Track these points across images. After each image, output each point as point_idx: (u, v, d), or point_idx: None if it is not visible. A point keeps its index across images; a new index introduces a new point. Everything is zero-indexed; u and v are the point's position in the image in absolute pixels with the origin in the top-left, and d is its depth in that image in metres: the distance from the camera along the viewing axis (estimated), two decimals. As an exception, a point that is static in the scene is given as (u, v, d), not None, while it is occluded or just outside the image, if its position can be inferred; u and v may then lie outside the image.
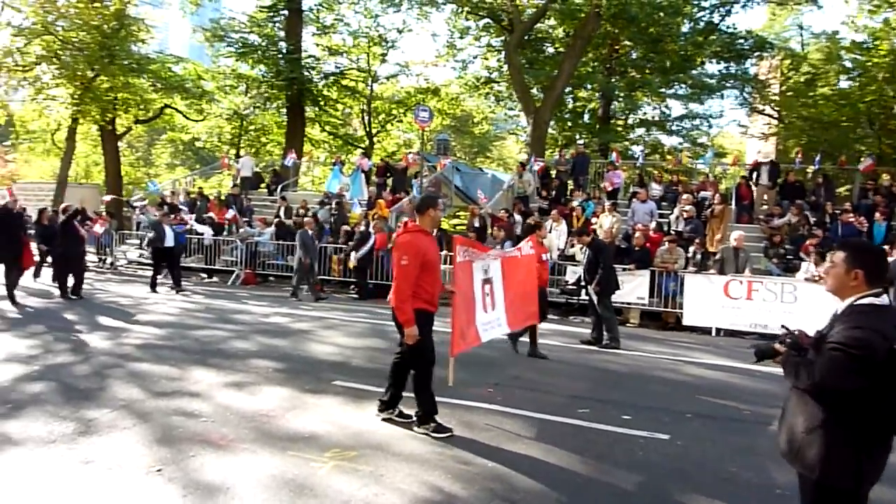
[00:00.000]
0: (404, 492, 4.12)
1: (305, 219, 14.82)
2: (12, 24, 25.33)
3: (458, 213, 19.42)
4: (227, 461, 4.51)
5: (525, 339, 8.58)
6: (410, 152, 24.47)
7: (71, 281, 12.22)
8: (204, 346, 8.38)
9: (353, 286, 14.87)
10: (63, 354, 7.61)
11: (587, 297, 10.04)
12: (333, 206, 17.62)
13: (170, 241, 14.06)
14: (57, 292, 12.31)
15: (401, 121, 33.46)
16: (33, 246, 13.42)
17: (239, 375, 6.86)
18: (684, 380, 7.80)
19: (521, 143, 40.65)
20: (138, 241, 19.19)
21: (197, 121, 30.91)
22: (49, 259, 14.46)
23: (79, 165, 35.66)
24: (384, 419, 5.53)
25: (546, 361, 8.34)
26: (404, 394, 5.59)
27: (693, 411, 6.28)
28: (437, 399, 6.11)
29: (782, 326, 3.02)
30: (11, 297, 10.93)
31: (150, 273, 14.45)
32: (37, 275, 14.62)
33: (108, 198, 18.16)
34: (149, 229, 15.41)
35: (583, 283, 9.76)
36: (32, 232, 14.55)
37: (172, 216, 15.50)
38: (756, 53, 25.83)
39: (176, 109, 29.79)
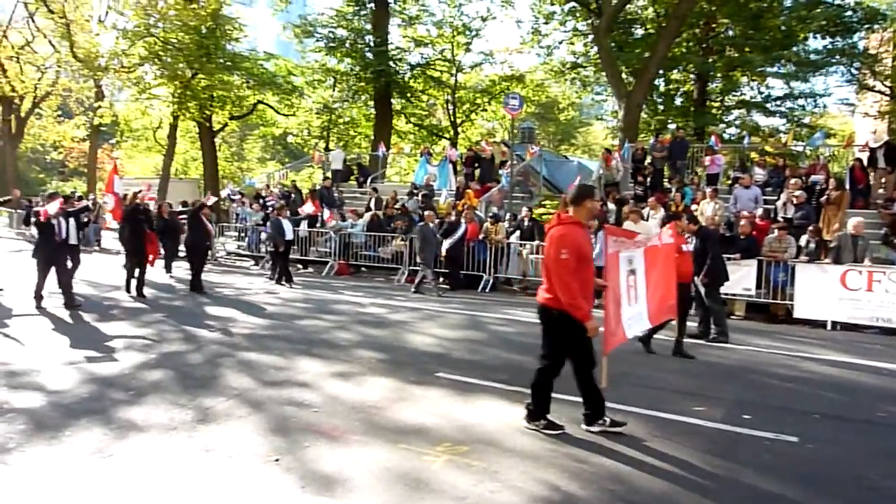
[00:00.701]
0: (520, 489, 4.01)
1: (426, 212, 14.39)
2: (117, 26, 26.86)
3: (543, 203, 19.09)
4: (341, 452, 4.54)
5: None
6: (489, 140, 24.29)
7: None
8: (307, 336, 8.55)
9: (443, 277, 14.87)
10: (177, 343, 7.94)
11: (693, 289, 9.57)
12: (421, 197, 17.69)
13: (289, 235, 14.32)
14: (179, 285, 12.98)
15: (485, 109, 33.25)
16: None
17: (344, 366, 6.94)
18: (805, 377, 7.31)
19: (609, 129, 39.69)
20: (236, 233, 19.94)
21: (287, 116, 31.78)
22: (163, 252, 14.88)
23: (178, 161, 37.43)
24: (530, 427, 5.15)
25: (654, 356, 8.03)
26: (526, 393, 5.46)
27: (820, 412, 5.86)
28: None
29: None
30: (139, 290, 11.31)
31: (248, 264, 14.95)
32: (168, 270, 14.87)
33: (212, 200, 18.99)
34: (264, 226, 15.90)
35: None
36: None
37: (274, 210, 15.65)
38: (866, 26, 23.96)
39: (268, 105, 30.72)
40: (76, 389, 5.83)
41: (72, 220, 10.25)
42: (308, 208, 17.99)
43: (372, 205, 18.15)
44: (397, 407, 5.58)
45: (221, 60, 25.49)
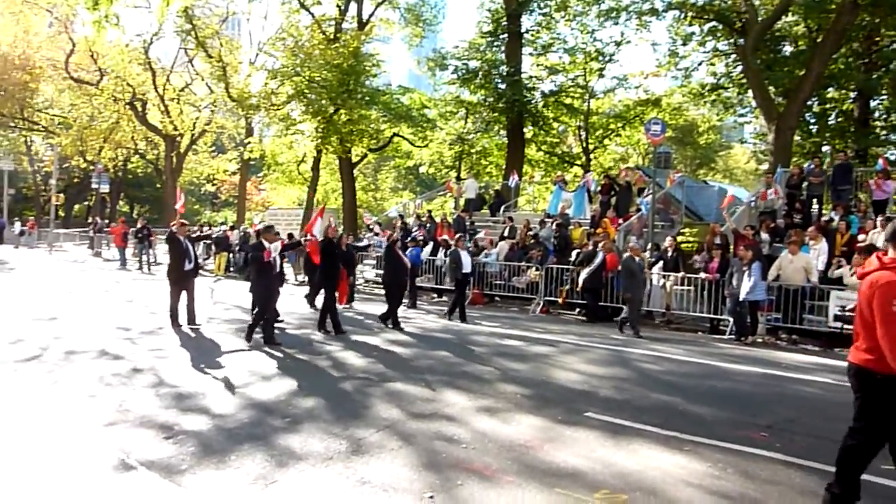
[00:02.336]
0: (694, 550, 3.70)
1: (630, 244, 13.03)
2: (266, 67, 29.03)
3: (682, 231, 18.18)
4: (495, 493, 4.42)
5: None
6: (626, 167, 23.60)
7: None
8: (450, 367, 8.56)
9: (579, 308, 14.49)
10: (327, 371, 8.21)
11: None
12: (554, 226, 17.41)
13: (467, 268, 13.48)
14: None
15: (618, 135, 32.54)
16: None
17: (489, 400, 6.85)
18: None
19: (752, 153, 37.44)
20: (374, 262, 20.60)
21: (421, 147, 32.74)
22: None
23: (319, 192, 39.57)
24: None
25: (823, 403, 7.29)
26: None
27: None
28: (699, 439, 5.60)
29: None
30: (321, 323, 11.00)
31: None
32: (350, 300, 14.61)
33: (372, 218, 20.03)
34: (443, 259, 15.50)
35: None
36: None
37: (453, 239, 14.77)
38: None
39: (403, 137, 31.82)
40: (238, 414, 6.13)
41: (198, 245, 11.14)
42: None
43: (506, 233, 18.12)
44: (548, 447, 5.39)
45: (361, 96, 26.75)
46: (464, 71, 28.52)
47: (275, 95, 28.31)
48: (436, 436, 5.62)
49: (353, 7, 30.29)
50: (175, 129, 36.08)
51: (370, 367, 8.36)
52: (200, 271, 24.30)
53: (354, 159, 31.61)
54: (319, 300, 12.38)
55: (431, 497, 4.34)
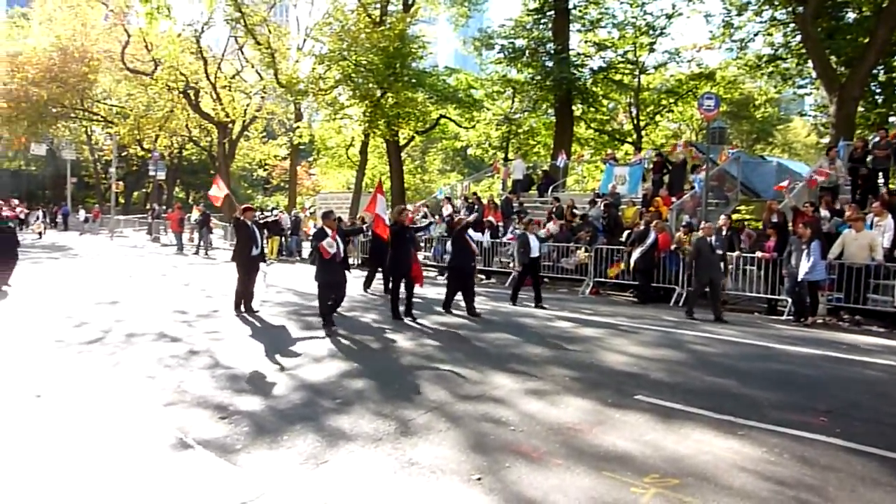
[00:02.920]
0: (747, 537, 3.62)
1: (703, 224, 12.36)
2: (314, 53, 29.24)
3: (738, 209, 17.64)
4: (543, 476, 4.41)
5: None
6: (678, 143, 22.97)
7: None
8: (498, 349, 8.56)
9: (631, 289, 14.26)
10: (375, 352, 8.32)
11: None
12: (602, 205, 17.11)
13: (535, 252, 12.91)
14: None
15: (671, 111, 31.73)
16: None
17: (537, 382, 6.82)
18: None
19: (812, 126, 36.00)
20: (423, 244, 20.67)
21: (468, 128, 32.58)
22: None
23: (368, 175, 39.93)
24: None
25: (887, 387, 7.01)
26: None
27: None
28: (753, 424, 5.47)
29: None
30: (409, 311, 10.72)
31: (432, 274, 15.22)
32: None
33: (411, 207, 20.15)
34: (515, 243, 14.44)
35: None
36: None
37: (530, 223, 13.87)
38: None
39: (450, 119, 31.71)
40: (290, 395, 6.26)
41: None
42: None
43: (553, 214, 17.92)
44: (597, 430, 5.34)
45: (407, 78, 26.74)
46: (510, 50, 28.20)
47: (322, 80, 28.55)
48: (483, 418, 5.63)
49: (398, -10, 30.21)
50: (227, 116, 36.76)
51: (418, 350, 8.42)
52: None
53: (402, 142, 31.69)
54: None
55: (479, 479, 4.36)
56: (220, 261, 22.55)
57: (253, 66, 37.74)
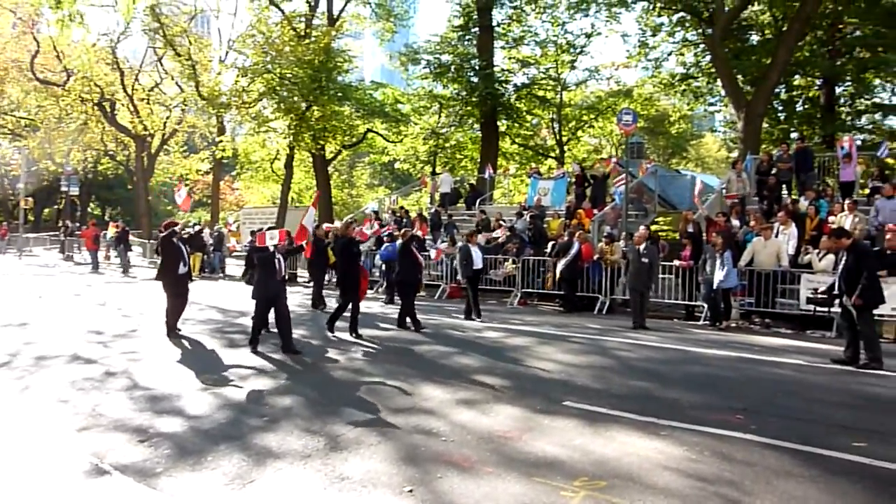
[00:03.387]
0: (672, 533, 3.74)
1: (639, 231, 12.37)
2: (237, 65, 28.68)
3: (656, 220, 18.36)
4: (475, 484, 4.42)
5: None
6: (612, 157, 23.76)
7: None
8: (428, 361, 8.56)
9: (557, 299, 14.57)
10: (303, 369, 8.15)
11: (839, 309, 8.79)
12: (528, 218, 17.47)
13: (478, 264, 12.68)
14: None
15: (591, 126, 32.77)
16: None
17: (468, 392, 6.85)
18: (982, 410, 6.50)
19: (722, 141, 37.90)
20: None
21: (395, 143, 32.62)
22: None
23: (293, 190, 39.28)
24: None
25: (797, 384, 7.41)
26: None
27: None
28: (675, 424, 5.66)
29: None
30: (353, 325, 10.29)
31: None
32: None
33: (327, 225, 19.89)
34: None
35: (836, 293, 8.55)
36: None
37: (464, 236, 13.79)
38: None
39: (377, 133, 31.68)
40: (214, 415, 6.06)
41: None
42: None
43: (479, 227, 18.12)
44: (527, 437, 5.41)
45: (333, 92, 26.57)
46: (436, 65, 28.50)
47: (246, 93, 27.99)
48: (414, 430, 5.61)
49: (322, 3, 30.06)
50: (145, 129, 35.45)
51: (348, 364, 8.32)
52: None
53: (328, 156, 31.41)
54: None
55: (411, 491, 4.33)
56: (140, 279, 21.68)
57: (173, 78, 36.62)
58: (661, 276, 13.36)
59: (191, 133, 43.33)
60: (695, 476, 4.58)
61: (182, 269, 10.46)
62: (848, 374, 7.99)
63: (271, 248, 9.09)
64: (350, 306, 10.38)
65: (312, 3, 29.43)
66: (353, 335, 10.16)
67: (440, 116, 31.38)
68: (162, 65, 37.17)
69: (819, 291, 9.49)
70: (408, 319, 11.13)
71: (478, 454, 5.00)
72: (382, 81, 35.69)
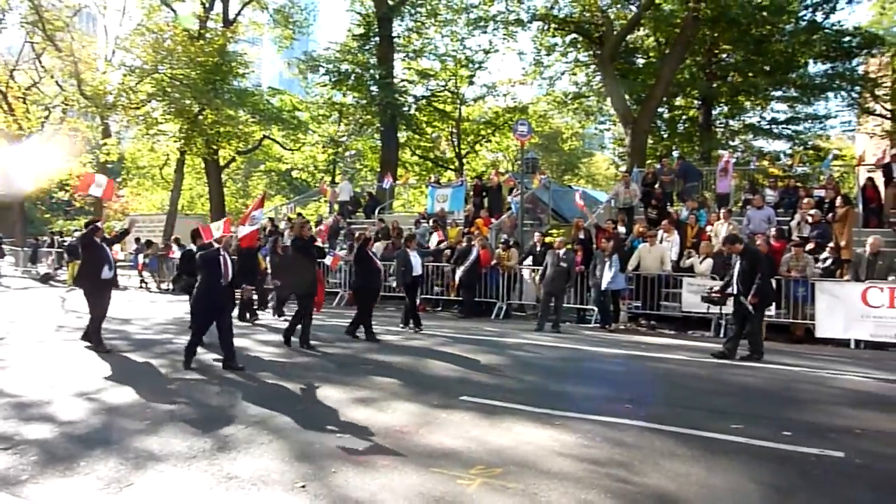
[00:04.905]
0: (565, 512, 3.80)
1: (559, 239, 12.65)
2: (125, 64, 27.19)
3: (550, 232, 19.00)
4: (371, 477, 4.33)
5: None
6: (508, 172, 24.33)
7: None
8: (325, 364, 8.36)
9: (456, 305, 14.68)
10: (190, 372, 7.73)
11: (733, 308, 9.42)
12: (431, 224, 17.57)
13: (417, 270, 11.98)
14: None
15: (489, 141, 33.48)
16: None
17: (365, 392, 6.74)
18: (838, 393, 7.09)
19: (611, 160, 39.79)
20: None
21: (293, 150, 32.00)
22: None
23: (184, 197, 37.61)
24: None
25: (678, 376, 7.82)
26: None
27: (859, 427, 5.65)
28: (569, 414, 5.81)
29: None
30: (306, 339, 9.51)
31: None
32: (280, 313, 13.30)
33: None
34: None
35: (731, 292, 9.20)
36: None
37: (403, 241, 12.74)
38: (865, 51, 24.22)
39: (273, 140, 30.95)
40: (89, 420, 5.64)
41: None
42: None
43: (379, 235, 18.02)
44: (424, 431, 5.37)
45: (228, 96, 25.74)
46: (336, 73, 28.22)
47: (133, 93, 26.58)
48: (309, 428, 5.44)
49: (218, 5, 29.12)
50: (20, 129, 32.86)
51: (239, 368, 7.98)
52: (51, 282, 22.42)
53: (222, 162, 30.36)
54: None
55: (304, 486, 4.18)
56: (14, 288, 20.05)
57: (52, 77, 34.17)
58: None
59: (72, 136, 40.57)
60: (587, 460, 4.71)
61: (107, 274, 9.27)
62: (725, 367, 8.51)
63: (216, 245, 8.01)
64: (304, 316, 9.54)
65: (207, 5, 28.46)
66: (305, 346, 9.32)
67: (340, 125, 31.09)
68: (41, 62, 34.63)
69: (713, 290, 10.15)
70: (361, 330, 10.43)
71: (374, 449, 4.91)
72: (281, 88, 34.98)
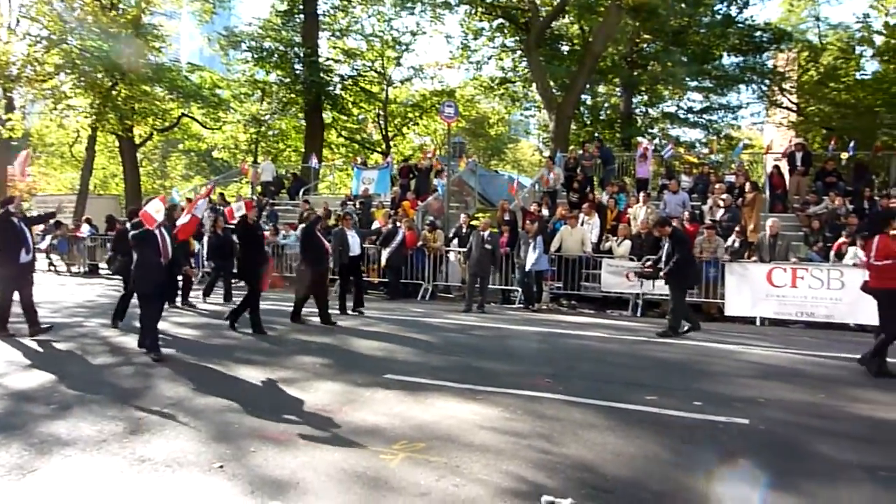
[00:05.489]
0: (486, 482, 3.86)
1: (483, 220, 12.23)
2: (30, 34, 25.42)
3: (476, 216, 19.16)
4: (292, 456, 4.27)
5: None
6: (424, 154, 24.25)
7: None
8: (245, 345, 8.15)
9: (382, 286, 14.61)
10: (103, 356, 7.40)
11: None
12: (357, 205, 17.38)
13: (355, 250, 11.47)
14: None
15: (416, 124, 33.30)
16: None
17: (287, 372, 6.62)
18: (745, 367, 7.48)
19: (534, 146, 40.48)
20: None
21: (213, 129, 30.88)
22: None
23: (96, 176, 35.71)
24: None
25: (596, 352, 8.07)
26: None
27: (764, 397, 5.99)
28: (491, 389, 5.90)
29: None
30: (258, 325, 8.87)
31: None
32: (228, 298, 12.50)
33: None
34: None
35: (661, 268, 9.59)
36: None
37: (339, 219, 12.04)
38: (774, 46, 25.50)
39: (193, 118, 29.77)
40: (-10, 405, 5.31)
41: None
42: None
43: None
44: (347, 409, 5.33)
45: (144, 71, 24.51)
46: (258, 50, 27.37)
47: (39, 64, 24.90)
48: (227, 409, 5.31)
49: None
50: None
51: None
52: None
53: (137, 140, 28.99)
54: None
55: (221, 467, 4.08)
56: None
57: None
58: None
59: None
60: (509, 433, 4.79)
61: (25, 257, 8.47)
62: (641, 343, 8.84)
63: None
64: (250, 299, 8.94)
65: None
66: (258, 332, 8.74)
67: (262, 103, 30.21)
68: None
69: (646, 265, 10.53)
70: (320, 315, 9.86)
71: (296, 428, 4.84)
72: (200, 65, 33.55)
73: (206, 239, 13.59)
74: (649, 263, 10.48)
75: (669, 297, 9.71)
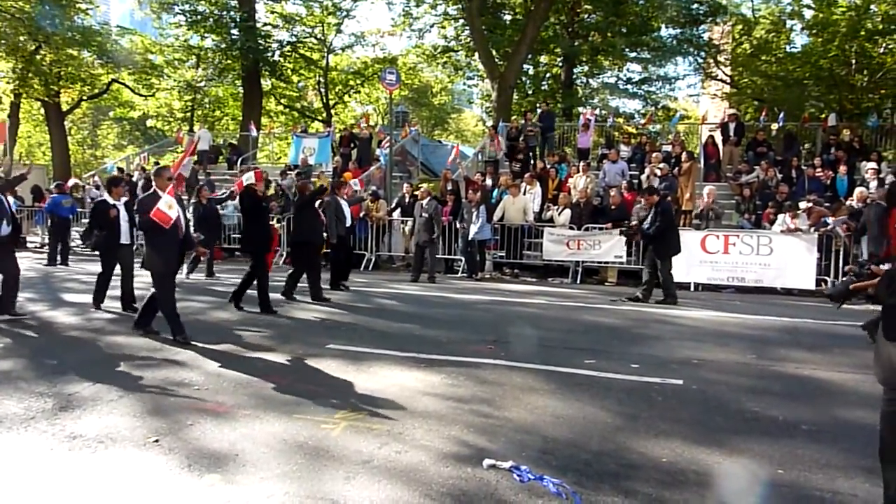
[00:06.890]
0: (428, 448, 3.88)
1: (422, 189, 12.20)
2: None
3: (419, 186, 19.06)
4: (230, 428, 4.19)
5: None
6: (366, 121, 23.90)
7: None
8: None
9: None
10: (30, 331, 7.09)
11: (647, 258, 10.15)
12: (295, 175, 17.02)
13: (350, 221, 10.90)
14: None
15: (358, 92, 32.76)
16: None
17: (227, 346, 6.47)
18: (680, 330, 7.74)
19: (478, 117, 40.44)
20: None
21: (146, 97, 29.67)
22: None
23: (21, 145, 33.95)
24: None
25: (537, 319, 8.19)
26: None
27: (697, 358, 6.21)
28: (434, 357, 5.93)
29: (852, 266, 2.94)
30: (266, 303, 8.31)
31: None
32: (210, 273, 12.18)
33: (72, 182, 17.64)
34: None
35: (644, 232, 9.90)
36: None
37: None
38: (710, 18, 25.98)
39: (124, 84, 28.52)
40: None
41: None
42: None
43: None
44: (289, 380, 5.27)
45: (70, 35, 23.24)
46: (192, 14, 26.27)
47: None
48: (163, 382, 5.17)
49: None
50: None
51: (85, 325, 7.43)
52: None
53: (65, 107, 27.61)
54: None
55: (157, 441, 3.97)
56: None
57: None
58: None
59: None
60: (452, 398, 4.83)
61: (5, 230, 7.62)
62: (581, 310, 9.03)
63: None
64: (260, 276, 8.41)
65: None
66: (267, 311, 8.21)
67: (198, 70, 29.12)
68: None
69: (630, 225, 10.93)
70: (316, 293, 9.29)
71: (235, 399, 4.76)
72: (131, 28, 32.02)
73: (190, 211, 12.95)
74: (634, 224, 10.76)
75: (646, 268, 10.03)
